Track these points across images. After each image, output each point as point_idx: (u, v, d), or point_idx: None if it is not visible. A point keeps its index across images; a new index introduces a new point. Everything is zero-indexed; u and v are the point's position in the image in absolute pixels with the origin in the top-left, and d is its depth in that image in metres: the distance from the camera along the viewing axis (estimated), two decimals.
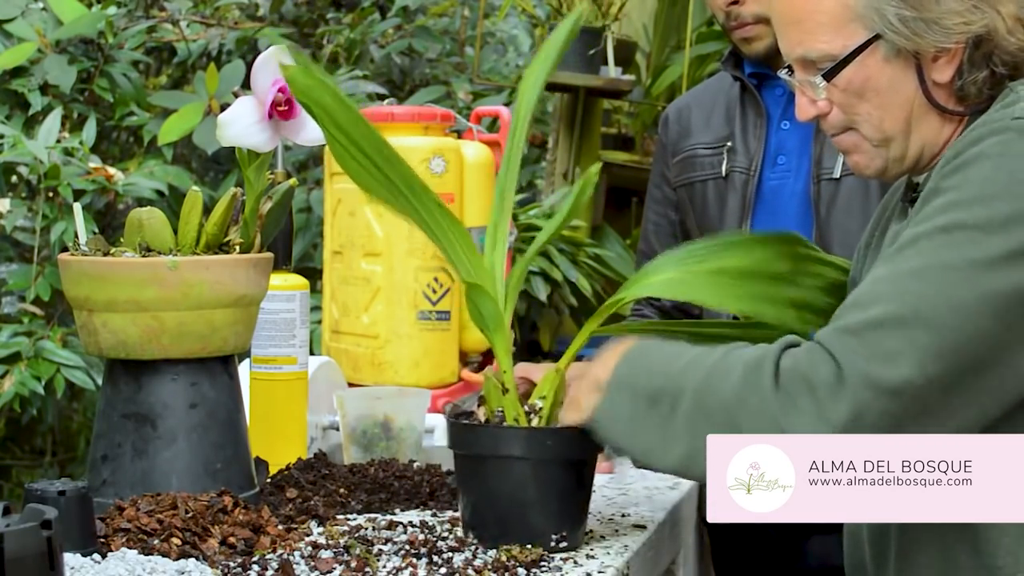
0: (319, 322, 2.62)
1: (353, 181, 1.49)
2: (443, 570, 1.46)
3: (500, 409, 1.56)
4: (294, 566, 1.43)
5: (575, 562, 1.52)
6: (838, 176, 2.16)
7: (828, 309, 1.66)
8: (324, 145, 2.44)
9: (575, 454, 1.56)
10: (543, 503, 1.53)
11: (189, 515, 1.48)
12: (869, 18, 1.47)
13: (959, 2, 1.45)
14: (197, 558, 1.44)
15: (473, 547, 1.53)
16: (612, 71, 3.82)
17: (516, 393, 1.56)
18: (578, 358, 1.60)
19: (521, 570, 1.46)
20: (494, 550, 1.52)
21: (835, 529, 1.70)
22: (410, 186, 1.48)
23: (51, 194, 3.19)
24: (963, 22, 1.45)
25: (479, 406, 1.60)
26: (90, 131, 3.31)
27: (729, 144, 2.27)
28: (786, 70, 1.57)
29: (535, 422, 1.56)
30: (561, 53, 1.63)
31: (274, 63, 1.61)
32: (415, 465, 1.85)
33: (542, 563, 1.49)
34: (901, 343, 1.32)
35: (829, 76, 1.50)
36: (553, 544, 1.53)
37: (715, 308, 1.70)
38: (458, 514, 1.68)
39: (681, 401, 1.42)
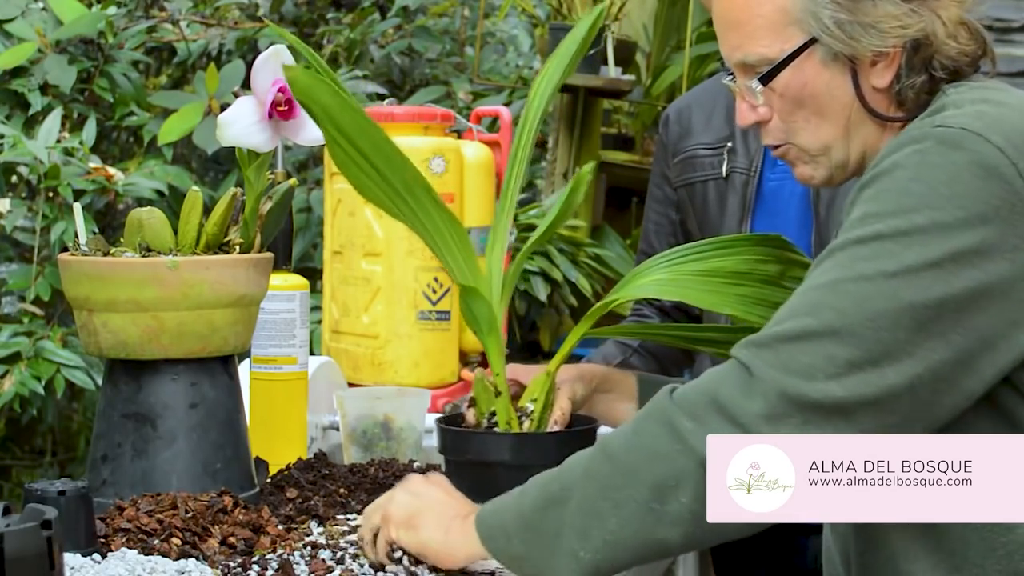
0: (319, 322, 2.62)
1: (350, 183, 1.49)
2: (443, 570, 1.46)
3: (491, 412, 1.56)
4: (294, 566, 1.43)
5: None
6: None
7: None
8: (324, 145, 2.45)
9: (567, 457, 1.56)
10: None
11: (189, 515, 1.48)
12: (806, 22, 1.45)
13: (896, 6, 1.43)
14: (197, 558, 1.44)
15: None
16: (612, 71, 3.82)
17: (509, 396, 1.56)
18: (572, 358, 1.60)
19: None
20: None
21: None
22: (408, 187, 1.48)
23: (51, 194, 3.19)
24: (899, 26, 1.43)
25: (468, 407, 1.60)
26: (90, 131, 3.31)
27: (729, 144, 2.26)
28: (729, 77, 1.56)
29: (527, 425, 1.56)
30: (578, 54, 1.63)
31: (274, 63, 1.61)
32: (415, 465, 1.85)
33: None
34: (816, 358, 1.28)
35: (766, 80, 1.48)
36: None
37: (705, 308, 1.69)
38: None
39: (568, 500, 1.32)
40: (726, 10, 1.51)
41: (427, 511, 1.42)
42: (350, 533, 1.58)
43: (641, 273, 1.64)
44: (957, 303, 1.30)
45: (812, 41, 1.45)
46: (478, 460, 1.53)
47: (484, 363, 2.39)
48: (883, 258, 1.31)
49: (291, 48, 1.60)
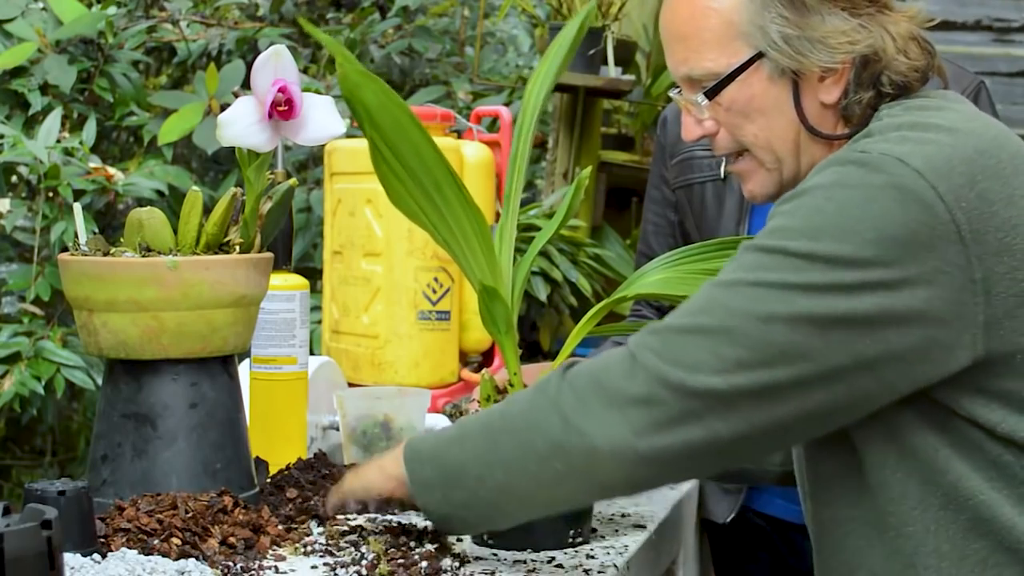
0: (319, 322, 2.62)
1: (379, 179, 1.49)
2: (443, 570, 1.46)
3: None
4: (293, 566, 1.43)
5: (575, 562, 1.52)
6: None
7: None
8: (324, 145, 2.45)
9: None
10: None
11: (189, 515, 1.48)
12: (753, 36, 1.44)
13: (845, 21, 1.42)
14: (197, 558, 1.45)
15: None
16: (612, 71, 3.82)
17: None
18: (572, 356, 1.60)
19: (522, 567, 1.47)
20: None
21: None
22: (437, 186, 1.48)
23: (51, 194, 3.19)
24: (848, 41, 1.42)
25: (477, 406, 1.61)
26: (90, 131, 3.31)
27: None
28: (676, 90, 1.55)
29: None
30: (569, 54, 1.63)
31: (274, 63, 1.61)
32: None
33: (543, 562, 1.49)
34: (704, 354, 1.29)
35: (711, 94, 1.47)
36: (570, 540, 1.54)
37: None
38: None
39: (466, 441, 1.42)
40: (672, 24, 1.50)
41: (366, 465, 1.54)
42: (350, 533, 1.58)
43: (645, 272, 1.66)
44: (867, 320, 1.29)
45: (759, 56, 1.45)
46: None
47: (484, 363, 2.39)
48: (785, 270, 1.30)
49: (291, 49, 1.60)
